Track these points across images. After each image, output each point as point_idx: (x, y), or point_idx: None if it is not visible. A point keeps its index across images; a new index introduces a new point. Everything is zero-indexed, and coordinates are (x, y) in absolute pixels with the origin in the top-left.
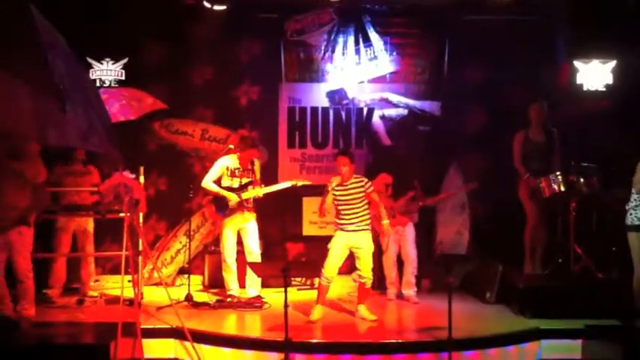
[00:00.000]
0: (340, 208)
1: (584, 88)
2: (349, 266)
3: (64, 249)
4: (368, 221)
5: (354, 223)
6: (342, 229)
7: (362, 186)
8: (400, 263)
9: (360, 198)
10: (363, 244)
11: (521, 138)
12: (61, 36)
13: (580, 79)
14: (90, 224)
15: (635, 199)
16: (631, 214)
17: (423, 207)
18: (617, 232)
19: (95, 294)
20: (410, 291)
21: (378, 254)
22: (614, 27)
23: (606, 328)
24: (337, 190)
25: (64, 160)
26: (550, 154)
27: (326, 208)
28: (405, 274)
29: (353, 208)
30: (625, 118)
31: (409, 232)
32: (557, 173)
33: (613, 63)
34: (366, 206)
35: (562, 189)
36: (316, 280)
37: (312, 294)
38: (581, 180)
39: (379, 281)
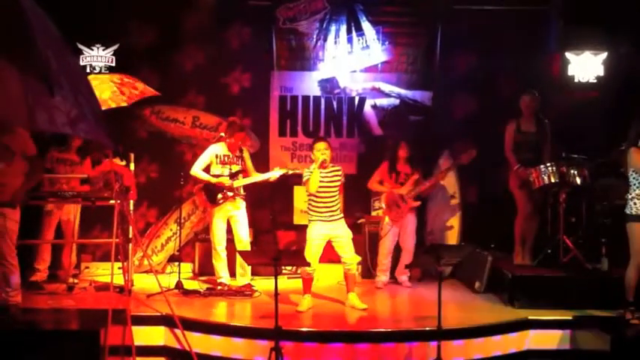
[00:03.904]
0: (318, 195)
1: (576, 80)
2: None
3: (49, 234)
4: (340, 209)
5: (331, 212)
6: (319, 220)
7: (338, 174)
8: (397, 250)
9: (336, 186)
10: (340, 232)
11: (513, 128)
12: (50, 20)
13: (571, 70)
14: (72, 214)
15: (634, 188)
16: (634, 204)
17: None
18: (606, 223)
19: (76, 282)
20: (403, 276)
21: (375, 241)
22: (605, 19)
23: (594, 319)
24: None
25: (59, 144)
26: (541, 144)
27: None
28: (402, 261)
29: (330, 196)
30: (616, 109)
31: (410, 221)
32: (548, 164)
33: (604, 55)
34: (338, 195)
35: (553, 180)
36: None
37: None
38: (572, 171)
39: (370, 269)
